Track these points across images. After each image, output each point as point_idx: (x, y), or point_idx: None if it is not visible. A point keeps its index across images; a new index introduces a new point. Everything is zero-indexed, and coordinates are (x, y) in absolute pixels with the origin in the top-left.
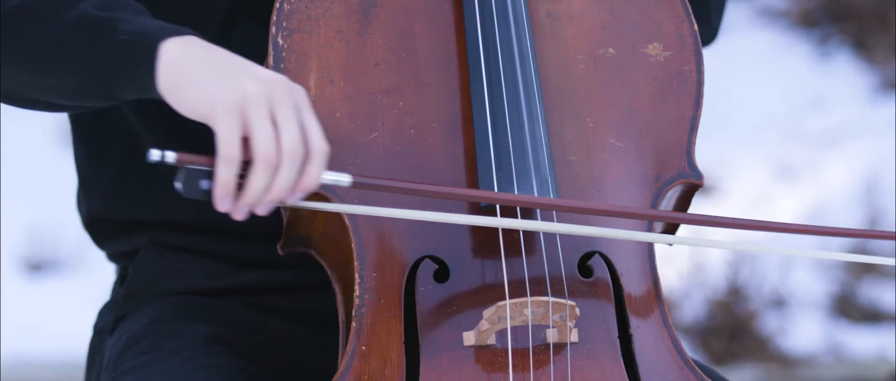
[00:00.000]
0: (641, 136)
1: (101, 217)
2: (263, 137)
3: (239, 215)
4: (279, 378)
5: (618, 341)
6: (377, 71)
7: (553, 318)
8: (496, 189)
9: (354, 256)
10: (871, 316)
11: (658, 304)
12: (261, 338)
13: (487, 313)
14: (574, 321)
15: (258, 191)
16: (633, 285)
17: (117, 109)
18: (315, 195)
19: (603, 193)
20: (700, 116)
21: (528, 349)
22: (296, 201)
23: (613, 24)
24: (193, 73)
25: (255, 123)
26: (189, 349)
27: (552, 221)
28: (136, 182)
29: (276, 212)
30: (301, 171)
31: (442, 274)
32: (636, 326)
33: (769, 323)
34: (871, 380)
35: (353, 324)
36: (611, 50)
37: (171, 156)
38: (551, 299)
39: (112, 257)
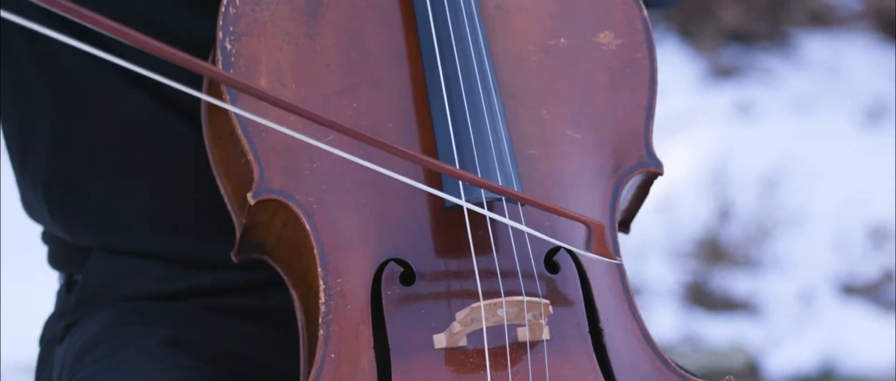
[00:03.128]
0: (598, 126)
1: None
2: None
3: None
4: (240, 380)
5: (589, 336)
6: (328, 72)
7: (527, 316)
8: (461, 187)
9: (317, 261)
10: (724, 305)
11: (626, 296)
12: (219, 340)
13: (461, 314)
14: (546, 319)
15: None
16: (599, 278)
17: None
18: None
19: (563, 186)
20: (655, 103)
21: (505, 348)
22: None
23: (563, 14)
24: None
25: None
26: (147, 352)
27: (519, 216)
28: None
29: (227, 216)
30: None
31: (408, 277)
32: (606, 319)
33: None
34: (727, 368)
35: (321, 332)
36: (562, 40)
37: None
38: (526, 298)
39: (57, 264)
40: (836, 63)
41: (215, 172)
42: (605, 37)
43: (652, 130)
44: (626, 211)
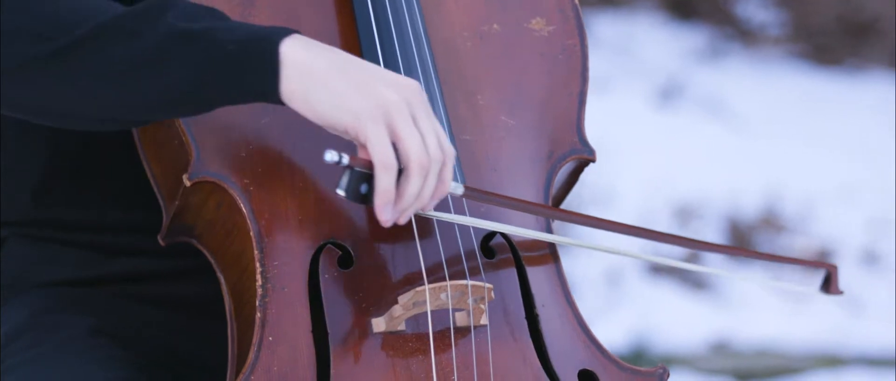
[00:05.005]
0: (532, 112)
1: None
2: (415, 145)
3: (390, 222)
4: (164, 368)
5: (526, 321)
6: None
7: (469, 300)
8: None
9: (254, 244)
10: None
11: (560, 282)
12: (137, 328)
13: (403, 298)
14: (487, 303)
15: (410, 198)
16: (534, 263)
17: None
18: None
19: (499, 172)
20: (587, 91)
21: (447, 331)
22: (432, 208)
23: (496, 0)
24: (327, 78)
25: (402, 131)
26: (76, 341)
27: (461, 205)
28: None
29: (150, 200)
30: (441, 176)
31: (346, 260)
32: (542, 305)
33: None
34: None
35: (258, 314)
36: (495, 26)
37: (346, 158)
38: (470, 282)
39: None
40: (628, 43)
41: (142, 155)
42: (538, 23)
43: (584, 117)
44: (555, 197)
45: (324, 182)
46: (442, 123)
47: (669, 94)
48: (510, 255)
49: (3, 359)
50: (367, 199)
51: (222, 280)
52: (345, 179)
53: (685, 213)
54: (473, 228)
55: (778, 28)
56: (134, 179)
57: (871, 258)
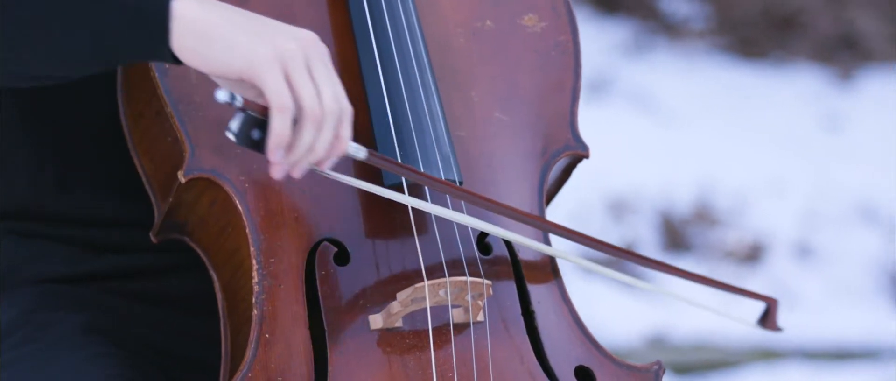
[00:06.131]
0: (525, 108)
1: None
2: (308, 93)
3: (280, 173)
4: (156, 366)
5: (522, 318)
6: None
7: (468, 297)
8: (404, 182)
9: (249, 241)
10: None
11: (556, 279)
12: (131, 325)
13: (402, 294)
14: (485, 300)
15: (303, 149)
16: (530, 260)
17: None
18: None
19: (494, 168)
20: (580, 87)
21: (446, 328)
22: (329, 165)
23: None
24: (222, 30)
25: (297, 79)
26: (70, 338)
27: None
28: None
29: (144, 203)
30: (337, 132)
31: (342, 257)
32: (537, 302)
33: None
34: None
35: (254, 311)
36: (488, 22)
37: (239, 99)
38: (469, 278)
39: None
40: None
41: (132, 150)
42: (530, 20)
43: (577, 113)
44: (547, 192)
45: (320, 179)
46: (438, 118)
47: (598, 88)
48: (506, 252)
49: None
50: (258, 146)
51: (215, 278)
52: (236, 122)
53: (619, 207)
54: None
55: (702, 21)
56: (122, 172)
57: (803, 252)
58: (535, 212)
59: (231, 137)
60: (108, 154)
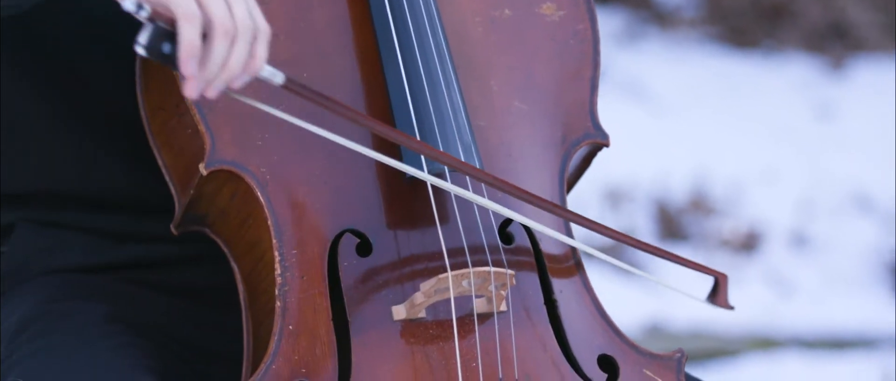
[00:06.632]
0: (544, 97)
1: None
2: (219, 7)
3: (194, 90)
4: (177, 357)
5: (544, 307)
6: (278, 42)
7: (491, 287)
8: (423, 161)
9: (272, 232)
10: None
11: (578, 268)
12: (152, 316)
13: (426, 285)
14: (508, 290)
15: (216, 64)
16: (551, 249)
17: None
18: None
19: (513, 157)
20: (599, 75)
21: (469, 318)
22: (242, 83)
23: None
24: None
25: None
26: (90, 328)
27: (478, 187)
28: (9, 153)
29: (162, 188)
30: (251, 50)
31: (364, 248)
32: (559, 291)
33: None
34: None
35: (278, 303)
36: (506, 11)
37: (147, 9)
38: (493, 269)
39: None
40: None
41: (152, 143)
42: (548, 8)
43: (597, 102)
44: (568, 182)
45: (341, 169)
46: (459, 108)
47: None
48: (528, 241)
49: (14, 350)
50: (170, 60)
51: (236, 269)
52: (145, 34)
53: (615, 197)
54: (493, 213)
55: (693, 11)
56: (145, 159)
57: (799, 241)
58: (556, 200)
59: (141, 51)
60: (131, 141)
